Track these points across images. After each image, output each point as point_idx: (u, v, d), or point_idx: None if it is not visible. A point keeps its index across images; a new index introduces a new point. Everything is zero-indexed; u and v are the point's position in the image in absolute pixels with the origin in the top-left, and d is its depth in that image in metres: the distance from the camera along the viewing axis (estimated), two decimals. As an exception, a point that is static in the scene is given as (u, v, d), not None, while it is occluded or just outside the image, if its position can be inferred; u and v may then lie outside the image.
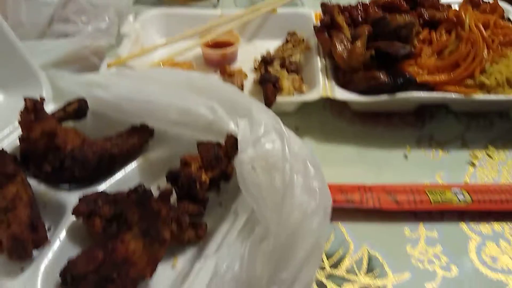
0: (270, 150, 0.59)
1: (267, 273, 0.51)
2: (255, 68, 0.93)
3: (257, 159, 0.58)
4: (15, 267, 0.59)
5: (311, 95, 0.79)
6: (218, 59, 0.95)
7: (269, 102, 0.75)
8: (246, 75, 0.90)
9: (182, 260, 0.60)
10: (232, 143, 0.65)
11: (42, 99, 0.67)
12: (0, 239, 0.58)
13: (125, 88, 0.71)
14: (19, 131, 0.69)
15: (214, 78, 0.70)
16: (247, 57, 0.97)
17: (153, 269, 0.56)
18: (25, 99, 0.65)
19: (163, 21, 1.03)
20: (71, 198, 0.63)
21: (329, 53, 0.86)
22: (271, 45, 0.98)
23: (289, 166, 0.58)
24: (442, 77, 0.79)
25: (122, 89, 0.71)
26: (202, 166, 0.64)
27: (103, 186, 0.66)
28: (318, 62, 0.86)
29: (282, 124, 0.63)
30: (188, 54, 0.97)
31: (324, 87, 0.80)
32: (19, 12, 0.83)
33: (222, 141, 0.66)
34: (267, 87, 0.75)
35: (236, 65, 0.96)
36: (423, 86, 0.79)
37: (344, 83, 0.80)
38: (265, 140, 0.60)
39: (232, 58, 0.96)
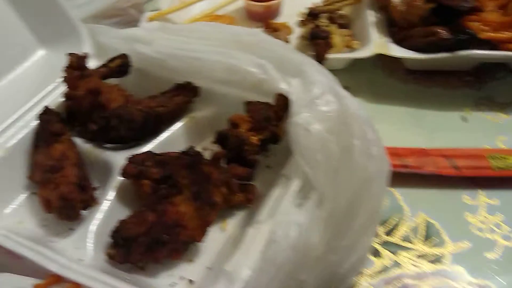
0: (326, 112, 0.56)
1: (324, 241, 0.49)
2: (301, 22, 0.88)
3: (312, 121, 0.55)
4: (64, 227, 0.58)
5: (364, 52, 0.75)
6: (262, 12, 0.90)
7: (320, 59, 0.71)
8: (291, 30, 0.86)
9: (232, 224, 0.59)
10: (283, 103, 0.62)
11: (86, 55, 0.65)
12: (49, 198, 0.58)
13: (169, 44, 0.68)
14: (61, 88, 0.67)
15: (263, 34, 0.66)
16: (291, 10, 0.92)
17: (203, 233, 0.54)
18: (69, 55, 0.63)
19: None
20: (118, 158, 0.62)
21: (383, 6, 0.80)
22: (318, -2, 0.93)
23: (346, 129, 0.55)
24: (506, 34, 0.73)
25: (166, 45, 0.68)
26: (252, 127, 0.61)
27: (149, 146, 0.64)
28: (370, 16, 0.81)
29: (338, 84, 0.59)
30: (229, 7, 0.92)
31: (377, 43, 0.75)
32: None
33: (271, 101, 0.63)
34: (318, 43, 0.71)
35: (280, 19, 0.91)
36: (485, 44, 0.73)
37: (399, 39, 0.75)
38: (320, 102, 0.57)
39: (276, 11, 0.91)
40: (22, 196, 0.62)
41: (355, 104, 0.58)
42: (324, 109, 0.56)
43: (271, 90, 0.63)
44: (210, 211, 0.54)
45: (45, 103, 0.66)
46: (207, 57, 0.64)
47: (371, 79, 0.80)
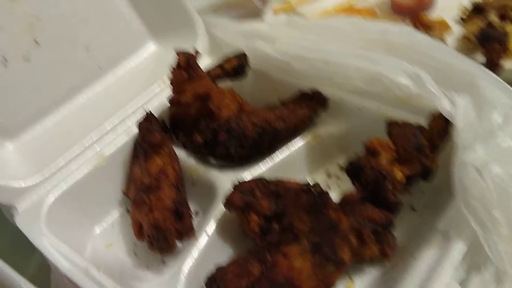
0: (510, 149, 0.39)
1: None
2: (462, 19, 0.70)
3: (489, 161, 0.38)
4: (155, 259, 0.49)
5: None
6: (411, 5, 0.73)
7: (493, 68, 0.53)
8: (449, 28, 0.68)
9: (360, 284, 0.45)
10: (441, 128, 0.46)
11: (197, 53, 0.54)
12: (141, 222, 0.48)
13: (296, 42, 0.55)
14: (169, 89, 0.58)
15: (419, 34, 0.50)
16: (448, 1, 0.74)
17: (323, 298, 0.41)
18: (177, 53, 0.53)
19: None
20: (224, 180, 0.51)
21: None
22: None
23: (544, 177, 0.37)
24: None
25: (292, 44, 0.55)
26: (396, 158, 0.46)
27: (261, 168, 0.52)
28: None
29: (528, 109, 0.42)
30: (370, -2, 0.77)
31: None
32: None
33: (425, 123, 0.48)
34: (492, 48, 0.53)
35: (433, 12, 0.74)
36: None
37: None
38: (501, 132, 0.40)
39: (429, 4, 0.74)
40: (116, 213, 0.55)
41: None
42: (508, 144, 0.39)
43: (424, 108, 0.47)
44: (333, 270, 0.40)
45: (150, 104, 0.58)
46: (342, 61, 0.50)
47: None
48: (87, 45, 0.59)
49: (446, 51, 0.48)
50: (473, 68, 0.46)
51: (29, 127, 0.55)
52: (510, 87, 0.44)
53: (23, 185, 0.50)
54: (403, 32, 0.50)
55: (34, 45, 0.55)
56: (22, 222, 0.47)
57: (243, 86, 0.61)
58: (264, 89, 0.60)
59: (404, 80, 0.47)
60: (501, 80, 0.44)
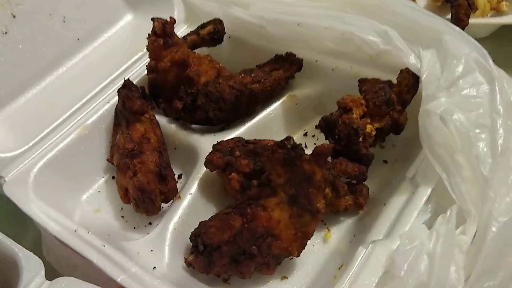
0: (473, 98, 0.41)
1: (463, 279, 0.36)
2: (432, -22, 0.71)
3: (453, 110, 0.41)
4: (142, 220, 0.51)
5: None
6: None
7: (460, 25, 0.55)
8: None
9: (336, 235, 0.47)
10: (410, 82, 0.48)
11: (173, 20, 0.55)
12: (126, 186, 0.50)
13: (270, 6, 0.57)
14: (147, 59, 0.59)
15: (387, -6, 0.52)
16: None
17: (301, 246, 0.43)
18: (153, 20, 0.54)
19: None
20: (204, 142, 0.53)
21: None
22: None
23: (503, 122, 0.40)
24: None
25: (267, 8, 0.57)
26: (367, 113, 0.48)
27: (240, 130, 0.54)
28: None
29: (490, 60, 0.44)
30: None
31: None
32: None
33: (394, 79, 0.50)
34: (459, 4, 0.55)
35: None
36: None
37: None
38: (464, 82, 0.42)
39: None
40: (102, 180, 0.56)
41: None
42: (470, 94, 0.42)
43: (394, 65, 0.50)
44: (310, 220, 0.43)
45: (129, 75, 0.59)
46: (315, 22, 0.52)
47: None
48: (65, 17, 0.60)
49: (413, 9, 0.50)
50: (438, 23, 0.48)
51: (12, 100, 0.56)
52: (472, 39, 0.46)
53: (9, 155, 0.51)
54: (371, -8, 0.51)
55: (11, 19, 0.56)
56: (10, 190, 0.49)
57: (220, 53, 0.62)
58: (240, 55, 0.62)
59: (373, 38, 0.48)
60: (464, 33, 0.46)
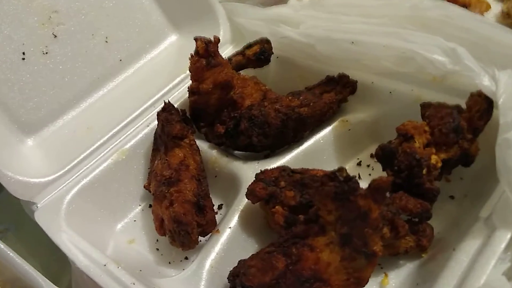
0: None
1: None
2: (502, -5, 0.65)
3: (538, 140, 0.34)
4: (178, 254, 0.47)
5: None
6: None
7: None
8: (488, 5, 0.63)
9: (395, 281, 0.41)
10: (483, 107, 0.42)
11: (217, 40, 0.52)
12: (162, 217, 0.46)
13: (321, 24, 0.52)
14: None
15: (454, 7, 0.46)
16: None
17: (354, 293, 0.38)
18: (195, 40, 0.50)
19: None
20: (247, 170, 0.49)
21: None
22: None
23: None
24: None
25: (317, 26, 0.53)
26: (432, 142, 0.42)
27: (286, 158, 0.49)
28: None
29: None
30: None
31: None
32: None
33: (461, 102, 0.43)
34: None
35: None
36: None
37: None
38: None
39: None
40: (138, 208, 0.53)
41: None
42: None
43: (462, 88, 0.44)
44: (365, 264, 0.37)
45: (171, 97, 0.56)
46: (370, 40, 0.47)
47: None
48: (107, 38, 0.58)
49: (485, 24, 0.44)
50: (516, 41, 0.42)
51: (49, 123, 0.54)
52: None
53: (43, 181, 0.49)
54: (436, 6, 0.46)
55: (52, 39, 0.54)
56: (41, 218, 0.46)
57: (267, 74, 0.59)
58: (289, 76, 0.57)
59: (439, 57, 0.43)
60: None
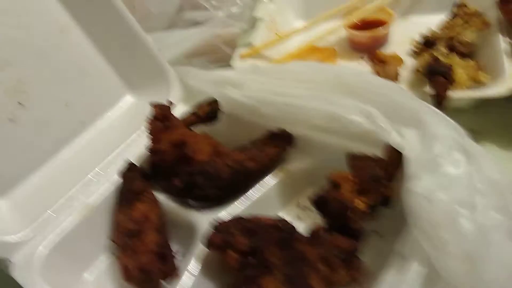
0: (453, 177, 0.44)
1: None
2: (414, 52, 0.76)
3: (435, 188, 0.43)
4: (143, 298, 0.53)
5: (496, 89, 0.61)
6: (367, 42, 0.79)
7: (440, 100, 0.59)
8: (402, 62, 0.74)
9: (334, 310, 0.49)
10: (395, 159, 0.51)
11: (170, 105, 0.59)
12: (128, 266, 0.52)
13: (262, 87, 0.60)
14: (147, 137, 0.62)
15: (370, 75, 0.56)
16: (401, 36, 0.81)
17: (298, 323, 0.45)
18: (152, 106, 0.57)
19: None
20: (203, 220, 0.55)
21: (518, 31, 0.66)
22: (432, 21, 0.79)
23: (482, 200, 0.42)
24: None
25: (258, 89, 0.60)
26: (357, 188, 0.51)
27: (237, 206, 0.56)
28: (503, 44, 0.66)
29: (467, 138, 0.47)
30: (329, 38, 0.83)
31: (512, 77, 0.61)
32: (147, 3, 0.77)
33: (378, 152, 0.52)
34: (437, 81, 0.59)
35: (388, 48, 0.80)
36: None
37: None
38: (444, 161, 0.45)
39: (383, 41, 0.80)
40: (105, 259, 0.58)
41: (491, 165, 0.46)
42: (450, 172, 0.44)
43: (380, 142, 0.52)
44: (307, 298, 0.44)
45: (130, 153, 0.62)
46: (303, 103, 0.56)
47: (504, 119, 0.65)
48: (69, 102, 0.64)
49: (394, 90, 0.53)
50: (419, 104, 0.51)
51: (18, 184, 0.59)
52: (451, 121, 0.49)
53: (16, 239, 0.54)
54: (355, 74, 0.55)
55: (18, 107, 0.59)
56: (17, 274, 0.51)
57: (217, 129, 0.65)
58: (236, 131, 0.65)
59: (357, 118, 0.52)
60: (443, 114, 0.49)
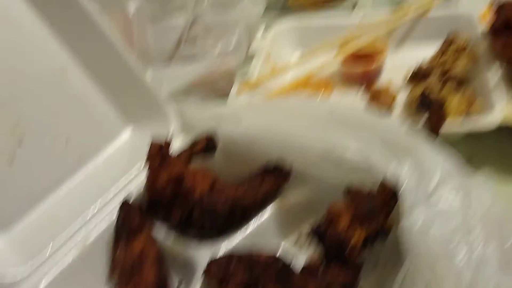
0: (448, 211, 0.45)
1: None
2: (407, 84, 0.77)
3: (430, 224, 0.44)
4: (142, 336, 0.52)
5: (486, 122, 0.62)
6: (360, 75, 0.81)
7: (434, 133, 0.60)
8: (395, 96, 0.75)
9: None
10: (390, 194, 0.51)
11: (169, 142, 0.60)
12: (126, 302, 0.52)
13: (258, 122, 0.62)
14: (144, 172, 0.63)
15: (363, 110, 0.57)
16: (394, 68, 0.82)
17: None
18: (151, 144, 0.58)
19: (295, 33, 0.91)
20: (201, 255, 0.55)
21: (509, 62, 0.67)
22: (424, 53, 0.81)
23: (477, 233, 0.43)
24: None
25: (255, 124, 0.62)
26: (354, 222, 0.51)
27: (235, 240, 0.57)
28: (492, 76, 0.68)
29: (462, 170, 0.48)
30: (324, 69, 0.84)
31: (503, 110, 0.62)
32: (146, 38, 0.79)
33: (375, 186, 0.53)
34: (431, 115, 0.60)
35: (382, 78, 0.82)
36: None
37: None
38: (440, 196, 0.46)
39: (376, 74, 0.82)
40: (104, 295, 0.58)
41: (488, 196, 0.46)
42: (446, 207, 0.45)
43: (375, 176, 0.53)
44: (306, 332, 0.45)
45: (129, 188, 0.63)
46: (299, 139, 0.57)
47: (497, 149, 0.66)
48: (67, 138, 0.64)
49: (388, 124, 0.54)
50: (413, 138, 0.52)
51: (17, 220, 0.59)
52: (445, 154, 0.50)
53: (15, 276, 0.54)
54: (349, 110, 0.57)
55: (18, 145, 0.60)
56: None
57: (214, 162, 0.66)
58: (233, 164, 0.65)
59: (352, 153, 0.53)
60: (437, 148, 0.50)
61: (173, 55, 0.84)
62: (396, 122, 0.55)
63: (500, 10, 0.73)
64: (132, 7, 0.75)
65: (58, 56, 0.65)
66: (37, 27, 0.63)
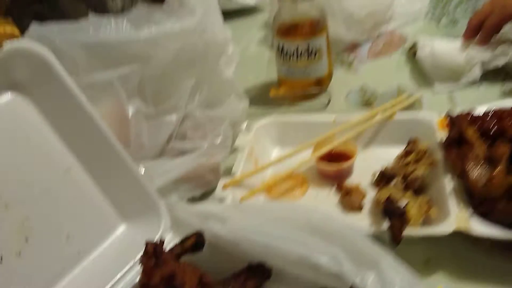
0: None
1: None
2: (374, 184, 0.87)
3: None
4: None
5: (443, 228, 0.71)
6: (333, 173, 0.90)
7: (396, 241, 0.68)
8: (364, 195, 0.84)
9: None
10: (359, 299, 0.59)
11: (163, 241, 0.67)
12: None
13: (242, 224, 0.69)
14: (138, 268, 0.69)
15: (337, 221, 0.65)
16: (364, 168, 0.91)
17: None
18: (146, 244, 0.65)
19: (275, 129, 1.01)
20: None
21: (460, 174, 0.77)
22: (390, 154, 0.91)
23: None
24: None
25: (239, 226, 0.69)
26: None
27: (221, 337, 0.63)
28: (448, 184, 0.78)
29: (420, 283, 0.56)
30: (301, 166, 0.93)
31: (458, 217, 0.71)
32: (142, 135, 0.87)
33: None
34: (393, 223, 0.69)
35: (353, 178, 0.91)
36: None
37: (482, 212, 0.71)
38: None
39: (347, 172, 0.91)
40: None
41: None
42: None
43: (345, 284, 0.61)
44: None
45: (123, 284, 0.68)
46: (279, 244, 0.64)
47: (452, 251, 0.74)
48: (68, 234, 0.71)
49: (358, 237, 0.62)
50: (378, 251, 0.60)
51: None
52: (405, 269, 0.58)
53: None
54: (324, 219, 0.65)
55: (24, 242, 0.66)
56: None
57: (202, 259, 0.73)
58: (218, 261, 0.72)
59: (326, 261, 0.60)
60: (397, 261, 0.59)
61: (164, 150, 0.92)
62: (364, 236, 0.63)
63: (453, 123, 0.84)
64: (131, 110, 0.83)
65: (64, 159, 0.73)
66: (45, 134, 0.71)
